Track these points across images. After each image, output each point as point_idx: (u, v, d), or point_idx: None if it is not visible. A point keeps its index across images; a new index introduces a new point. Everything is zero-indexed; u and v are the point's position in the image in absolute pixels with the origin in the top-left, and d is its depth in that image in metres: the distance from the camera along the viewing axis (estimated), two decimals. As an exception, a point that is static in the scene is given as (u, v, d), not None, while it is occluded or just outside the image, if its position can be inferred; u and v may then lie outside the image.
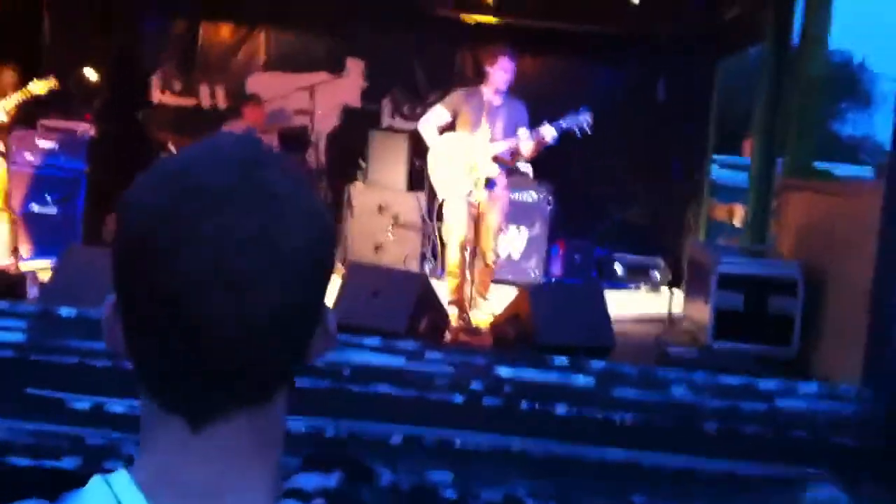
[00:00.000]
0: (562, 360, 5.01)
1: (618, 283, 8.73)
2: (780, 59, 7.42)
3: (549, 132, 6.22)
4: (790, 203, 6.84)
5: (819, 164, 7.20)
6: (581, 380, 4.89)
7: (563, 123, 6.23)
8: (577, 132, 6.25)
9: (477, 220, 6.28)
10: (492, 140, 6.29)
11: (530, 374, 4.92)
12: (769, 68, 7.49)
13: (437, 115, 6.51)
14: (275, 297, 0.83)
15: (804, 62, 6.95)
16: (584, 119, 6.21)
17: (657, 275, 8.87)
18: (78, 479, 0.90)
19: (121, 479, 0.86)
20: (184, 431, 0.86)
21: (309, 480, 0.91)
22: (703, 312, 6.08)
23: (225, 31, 10.25)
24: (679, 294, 7.21)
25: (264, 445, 0.88)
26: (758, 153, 7.52)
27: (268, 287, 0.82)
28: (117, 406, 4.46)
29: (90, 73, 9.47)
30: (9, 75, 6.91)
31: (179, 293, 0.82)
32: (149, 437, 0.88)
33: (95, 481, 0.87)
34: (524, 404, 4.67)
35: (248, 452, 0.87)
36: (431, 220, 7.67)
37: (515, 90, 6.66)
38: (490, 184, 6.30)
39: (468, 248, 6.37)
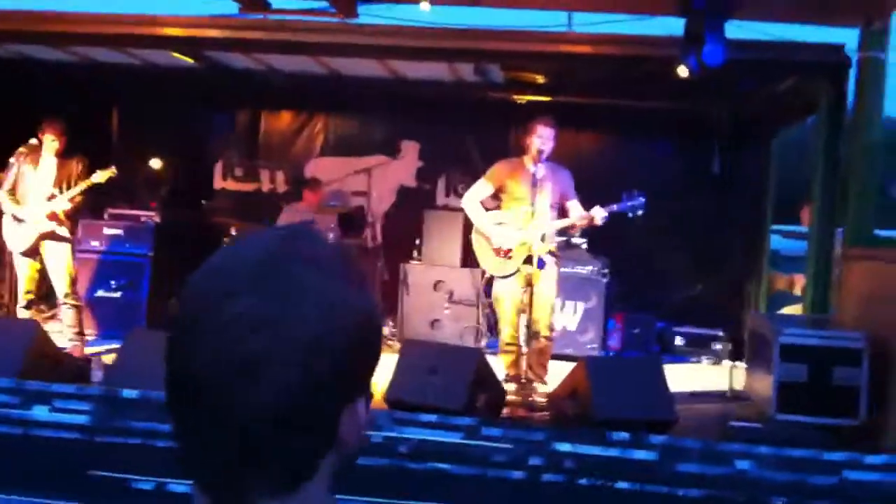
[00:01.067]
0: (622, 435, 4.93)
1: (678, 357, 8.61)
2: (835, 128, 7.38)
3: (599, 214, 6.22)
4: (852, 272, 6.73)
5: (880, 232, 7.08)
6: (642, 455, 4.81)
7: (616, 207, 6.24)
8: (630, 215, 6.26)
9: (530, 296, 6.23)
10: (538, 214, 6.24)
11: (590, 450, 4.86)
12: (825, 137, 7.45)
13: (479, 189, 6.55)
14: (286, 381, 0.84)
15: (860, 130, 6.91)
16: (638, 204, 6.21)
17: (718, 347, 8.72)
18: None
19: None
20: None
21: None
22: (765, 385, 5.96)
23: (285, 118, 10.57)
24: (741, 367, 7.08)
25: None
26: (816, 222, 7.43)
27: (279, 371, 0.84)
28: (179, 486, 4.51)
29: (155, 164, 9.81)
30: (77, 166, 7.17)
31: (196, 375, 0.86)
32: None
33: None
34: (585, 480, 4.60)
35: None
36: (487, 295, 7.67)
37: (567, 163, 6.70)
38: (539, 262, 6.25)
39: (522, 323, 6.33)
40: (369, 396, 0.93)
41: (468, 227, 7.25)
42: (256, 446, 0.85)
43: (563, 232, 6.51)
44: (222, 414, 0.85)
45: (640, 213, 6.25)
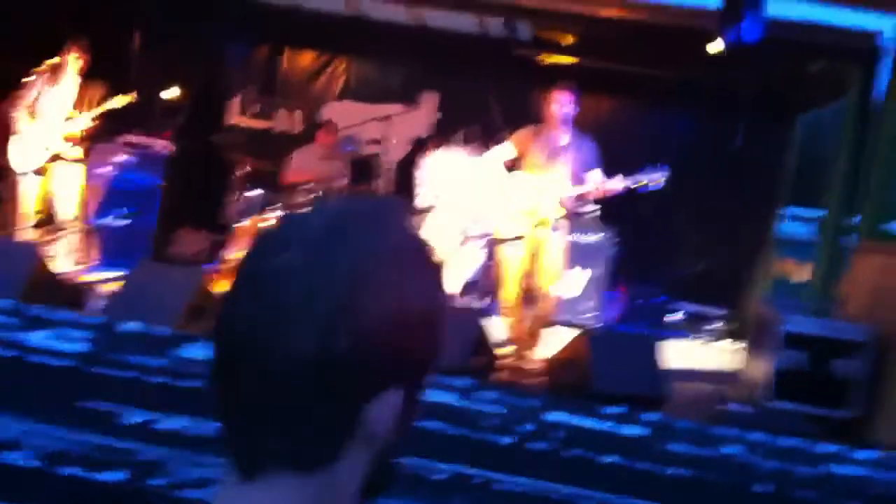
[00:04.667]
0: (615, 409, 4.94)
1: (677, 332, 8.59)
2: (862, 116, 7.26)
3: (618, 185, 6.15)
4: (863, 264, 6.66)
5: (894, 226, 7.00)
6: (634, 431, 4.82)
7: (638, 177, 6.17)
8: (651, 187, 6.19)
9: (536, 261, 6.21)
10: (558, 182, 6.21)
11: (582, 422, 4.86)
12: (851, 124, 7.34)
13: (501, 151, 6.50)
14: (301, 343, 0.81)
15: (887, 120, 6.80)
16: (660, 176, 6.14)
17: (717, 326, 8.70)
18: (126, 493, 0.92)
19: None
20: (238, 482, 0.85)
21: None
22: (764, 369, 5.94)
23: (306, 58, 10.46)
24: (738, 347, 7.06)
25: None
26: (834, 209, 7.35)
27: (302, 328, 0.81)
28: (169, 423, 4.52)
29: (173, 93, 9.73)
30: (96, 90, 7.13)
31: (225, 329, 0.85)
32: (222, 483, 0.87)
33: None
34: (574, 451, 4.61)
35: None
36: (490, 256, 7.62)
37: (590, 130, 6.62)
38: (551, 227, 6.22)
39: (525, 288, 6.31)
40: (412, 396, 0.88)
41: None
42: (266, 406, 0.83)
43: (578, 200, 6.44)
44: (240, 366, 0.83)
45: (660, 185, 6.19)
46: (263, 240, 0.87)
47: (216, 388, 0.86)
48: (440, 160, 7.97)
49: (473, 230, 7.78)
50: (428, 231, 7.56)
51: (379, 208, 0.89)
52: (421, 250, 0.88)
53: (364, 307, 0.82)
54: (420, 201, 7.97)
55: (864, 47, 7.28)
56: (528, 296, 6.28)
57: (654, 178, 6.15)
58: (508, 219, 6.36)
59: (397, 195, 9.17)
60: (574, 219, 6.74)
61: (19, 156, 7.14)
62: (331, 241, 0.84)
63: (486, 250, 7.59)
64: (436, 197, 7.86)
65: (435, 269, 0.89)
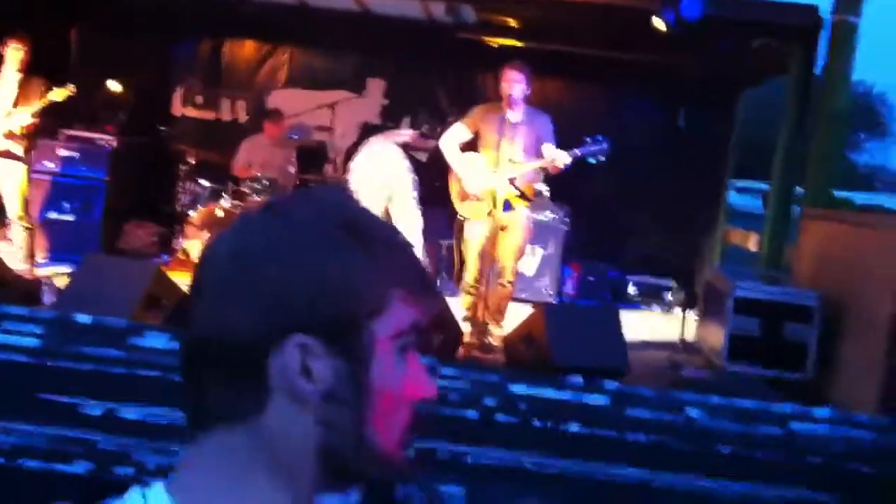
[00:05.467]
0: (576, 380, 4.99)
1: (631, 305, 8.72)
2: (803, 90, 7.42)
3: (561, 157, 6.18)
4: (809, 231, 6.82)
5: (837, 193, 7.18)
6: (595, 399, 4.87)
7: (579, 151, 6.20)
8: (593, 160, 6.24)
9: (497, 240, 6.23)
10: (510, 158, 6.24)
11: (544, 392, 4.90)
12: (793, 99, 7.49)
13: (457, 132, 6.51)
14: (197, 314, 0.93)
15: (828, 95, 6.96)
16: (601, 149, 6.18)
17: (670, 297, 8.84)
18: (91, 484, 0.99)
19: (156, 489, 0.93)
20: (189, 441, 0.94)
21: (330, 500, 0.96)
22: (717, 336, 6.06)
23: (249, 47, 10.36)
24: (692, 316, 7.18)
25: (260, 471, 0.91)
26: (777, 180, 7.51)
27: (196, 304, 0.93)
28: (130, 412, 4.47)
29: (114, 86, 9.57)
30: (36, 85, 6.98)
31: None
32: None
33: (134, 491, 0.94)
34: (538, 422, 4.65)
35: (238, 470, 0.91)
36: (449, 237, 7.66)
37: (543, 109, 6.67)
38: (506, 205, 6.26)
39: (486, 267, 6.34)
40: (363, 358, 0.93)
41: (437, 168, 7.23)
42: (193, 373, 0.94)
43: (530, 175, 6.49)
44: (182, 332, 0.95)
45: (602, 158, 6.23)
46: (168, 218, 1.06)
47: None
48: (364, 149, 8.06)
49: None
50: None
51: (304, 195, 0.99)
52: (333, 222, 0.94)
53: (241, 276, 0.92)
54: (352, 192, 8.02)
55: (803, 22, 7.42)
56: (489, 274, 6.31)
57: (596, 151, 6.19)
58: (468, 200, 6.37)
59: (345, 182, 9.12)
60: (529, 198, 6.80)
61: (-41, 153, 6.99)
62: (236, 224, 0.97)
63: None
64: (359, 185, 7.94)
65: (356, 238, 0.93)
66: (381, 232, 0.97)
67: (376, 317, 0.93)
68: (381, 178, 7.84)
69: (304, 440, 0.91)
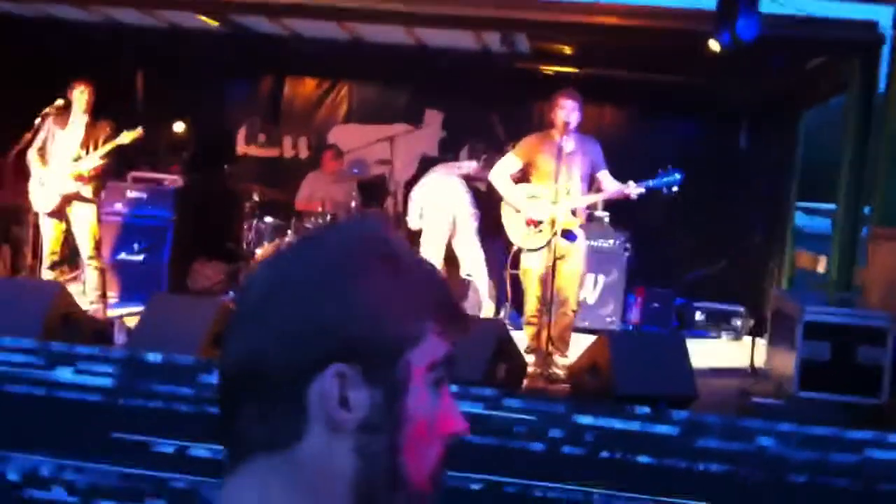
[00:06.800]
0: (643, 409, 4.93)
1: (698, 332, 8.59)
2: (865, 108, 7.29)
3: (635, 190, 6.17)
4: (879, 252, 6.67)
5: (908, 212, 7.01)
6: (663, 429, 4.81)
7: (652, 183, 6.18)
8: (665, 191, 6.21)
9: (557, 269, 6.20)
10: (569, 187, 6.22)
11: (611, 423, 4.86)
12: (855, 117, 7.36)
13: (508, 163, 6.52)
14: (233, 345, 0.93)
15: (890, 111, 6.83)
16: (674, 179, 6.15)
17: (739, 323, 8.69)
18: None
19: None
20: (228, 470, 0.94)
21: None
22: (787, 362, 5.93)
23: (309, 85, 10.53)
24: (761, 343, 7.05)
25: (295, 491, 0.91)
26: (844, 201, 7.37)
27: (231, 335, 0.93)
28: (200, 450, 4.54)
29: (179, 127, 9.81)
30: (104, 129, 7.18)
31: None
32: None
33: None
34: (605, 453, 4.61)
35: (279, 495, 0.91)
36: (510, 267, 7.65)
37: (593, 135, 6.66)
38: (569, 235, 6.24)
39: (548, 296, 6.31)
40: (398, 385, 0.93)
41: (490, 199, 7.26)
42: (232, 402, 0.93)
43: (589, 206, 6.48)
44: (220, 360, 0.95)
45: (675, 189, 6.20)
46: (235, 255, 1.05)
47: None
48: (420, 186, 8.16)
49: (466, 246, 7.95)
50: (421, 247, 7.75)
51: (338, 224, 1.02)
52: (370, 250, 0.95)
53: (278, 306, 0.92)
54: (410, 223, 8.13)
55: (862, 39, 7.30)
56: (551, 304, 6.28)
57: (670, 182, 6.16)
58: (525, 231, 6.37)
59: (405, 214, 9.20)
60: (586, 225, 6.77)
61: (36, 198, 7.20)
62: (275, 256, 0.97)
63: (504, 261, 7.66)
64: (422, 217, 8.05)
65: (392, 264, 0.95)
66: (416, 262, 0.98)
67: (412, 347, 0.93)
68: (444, 210, 7.89)
69: (340, 469, 0.92)
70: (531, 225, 6.32)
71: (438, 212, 7.93)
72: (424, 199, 8.06)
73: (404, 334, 0.93)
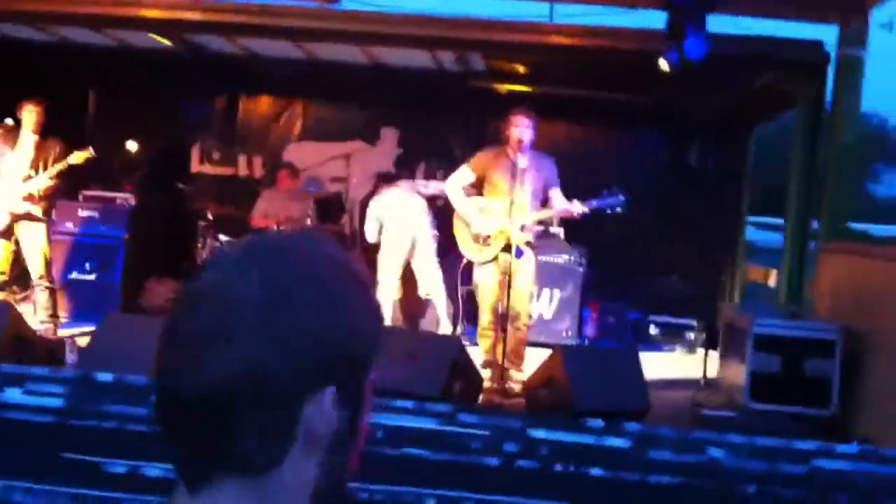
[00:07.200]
0: (597, 422, 4.97)
1: (652, 346, 8.68)
2: (813, 124, 7.46)
3: (578, 209, 6.26)
4: (827, 265, 6.80)
5: (855, 225, 7.17)
6: (616, 442, 4.84)
7: (595, 203, 6.26)
8: (609, 212, 6.28)
9: (507, 285, 6.24)
10: (519, 203, 6.25)
11: (565, 437, 4.88)
12: (802, 132, 7.52)
13: (461, 176, 6.57)
14: (226, 359, 0.86)
15: (837, 127, 6.99)
16: (618, 200, 6.23)
17: (692, 336, 8.80)
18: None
19: None
20: (185, 495, 0.90)
21: None
22: (738, 374, 6.01)
23: (263, 103, 10.52)
24: (714, 356, 7.14)
25: None
26: (793, 216, 7.51)
27: (217, 348, 0.86)
28: (153, 470, 4.49)
29: (132, 146, 9.74)
30: (54, 148, 7.10)
31: (158, 353, 0.91)
32: (170, 499, 0.92)
33: None
34: (559, 466, 4.62)
35: None
36: (463, 283, 7.67)
37: (547, 151, 6.73)
38: (518, 252, 6.27)
39: (500, 311, 6.35)
40: (351, 397, 0.93)
41: (445, 213, 7.28)
42: (205, 420, 0.87)
43: (542, 221, 6.53)
44: (166, 388, 0.89)
45: (618, 210, 6.27)
46: (189, 274, 0.95)
47: (157, 411, 0.91)
48: (381, 198, 8.13)
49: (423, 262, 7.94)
50: (378, 263, 7.74)
51: (293, 237, 0.99)
52: (339, 264, 0.94)
53: (281, 320, 0.88)
54: (368, 236, 8.09)
55: (809, 58, 7.47)
56: (504, 319, 6.31)
57: (613, 203, 6.24)
58: (475, 245, 6.41)
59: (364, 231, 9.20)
60: (540, 240, 6.83)
61: (-18, 218, 7.10)
62: (241, 263, 0.91)
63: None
64: (380, 232, 8.02)
65: (357, 279, 0.95)
66: (369, 284, 0.99)
67: (374, 365, 0.96)
68: (405, 228, 7.89)
69: (305, 483, 0.91)
70: (480, 239, 6.37)
71: (399, 228, 7.92)
72: (384, 213, 8.04)
73: (374, 353, 0.95)
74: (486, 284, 6.40)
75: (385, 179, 8.50)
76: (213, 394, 0.86)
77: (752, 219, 9.95)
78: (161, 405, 0.90)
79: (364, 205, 9.42)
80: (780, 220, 8.24)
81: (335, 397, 0.90)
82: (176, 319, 0.90)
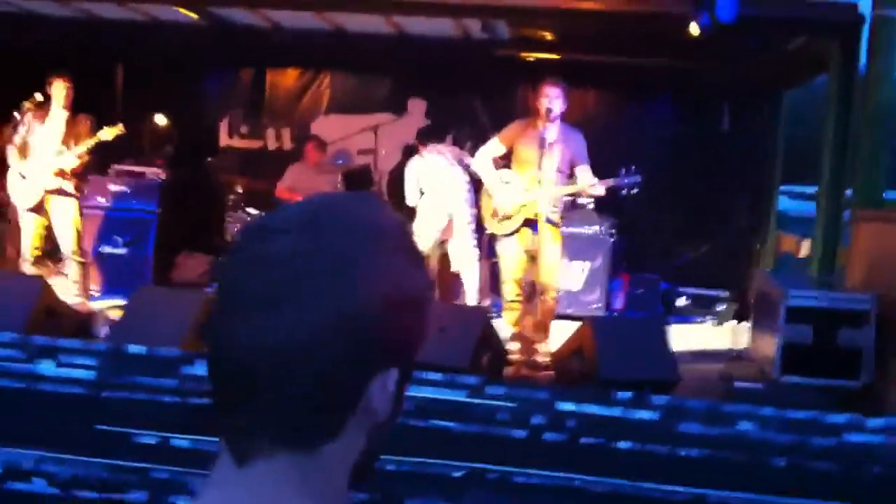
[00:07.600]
0: (625, 395, 4.95)
1: (683, 317, 8.61)
2: (846, 90, 7.29)
3: (597, 189, 6.30)
4: (860, 234, 6.69)
5: (890, 194, 7.03)
6: (644, 415, 4.83)
7: (613, 182, 6.22)
8: (625, 192, 6.24)
9: (535, 257, 6.20)
10: (544, 177, 6.17)
11: (593, 409, 4.87)
12: (835, 99, 7.37)
13: (491, 148, 6.50)
14: (306, 321, 0.83)
15: (871, 91, 6.83)
16: (634, 181, 6.17)
17: (722, 308, 8.72)
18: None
19: None
20: (232, 467, 0.86)
21: None
22: (770, 346, 5.94)
23: (290, 76, 10.49)
24: (745, 327, 7.07)
25: (310, 496, 0.86)
26: (825, 184, 7.38)
27: (302, 307, 0.83)
28: (182, 441, 4.54)
29: (161, 120, 9.77)
30: (84, 124, 7.14)
31: (211, 316, 0.87)
32: (212, 470, 0.89)
33: None
34: (587, 439, 4.62)
35: (291, 497, 0.86)
36: (487, 255, 7.59)
37: (576, 123, 6.65)
38: (534, 226, 6.21)
39: (526, 284, 6.31)
40: (406, 375, 0.91)
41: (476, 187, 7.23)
42: (261, 392, 0.84)
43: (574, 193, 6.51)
44: (223, 353, 0.85)
45: (634, 190, 6.23)
46: (245, 233, 0.90)
47: (213, 378, 0.88)
48: (424, 162, 7.89)
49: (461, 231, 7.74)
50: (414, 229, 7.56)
51: (356, 198, 0.93)
52: (404, 236, 0.92)
53: (360, 288, 0.84)
54: (408, 199, 7.86)
55: (842, 19, 7.30)
56: (531, 291, 6.28)
57: (629, 184, 6.19)
58: (502, 215, 6.37)
59: (393, 203, 9.16)
60: (570, 211, 6.78)
61: (16, 193, 7.17)
62: (316, 225, 0.86)
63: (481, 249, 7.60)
64: (418, 198, 7.77)
65: (418, 253, 0.93)
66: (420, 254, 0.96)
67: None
68: (443, 202, 7.61)
69: (354, 455, 0.90)
70: (496, 214, 6.33)
71: (437, 200, 7.65)
72: (426, 178, 7.82)
73: (426, 327, 0.93)
74: (507, 257, 6.37)
75: (426, 139, 8.21)
76: (278, 361, 0.83)
77: (783, 188, 9.79)
78: (217, 371, 0.87)
79: (392, 176, 9.40)
80: (812, 189, 8.10)
81: (398, 377, 0.89)
82: (236, 280, 0.86)
